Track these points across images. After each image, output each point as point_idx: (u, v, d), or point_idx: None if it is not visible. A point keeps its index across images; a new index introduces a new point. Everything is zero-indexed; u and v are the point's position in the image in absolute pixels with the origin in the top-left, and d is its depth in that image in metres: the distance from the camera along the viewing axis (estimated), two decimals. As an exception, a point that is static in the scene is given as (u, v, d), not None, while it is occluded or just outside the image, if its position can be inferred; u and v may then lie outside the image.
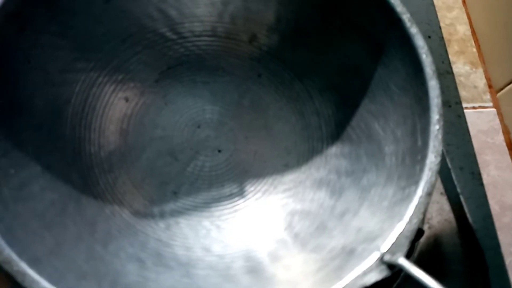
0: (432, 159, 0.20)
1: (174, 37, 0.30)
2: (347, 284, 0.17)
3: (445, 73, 0.37)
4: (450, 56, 0.39)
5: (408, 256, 0.30)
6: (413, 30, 0.23)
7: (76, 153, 0.26)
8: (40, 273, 0.17)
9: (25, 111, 0.23)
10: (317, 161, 0.29)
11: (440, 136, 0.21)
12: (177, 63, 0.30)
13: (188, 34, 0.30)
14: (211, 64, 0.31)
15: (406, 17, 0.23)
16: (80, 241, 0.22)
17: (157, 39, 0.29)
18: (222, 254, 0.26)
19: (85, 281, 0.19)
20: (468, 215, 0.31)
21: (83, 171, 0.26)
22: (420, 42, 0.23)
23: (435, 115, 0.21)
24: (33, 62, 0.23)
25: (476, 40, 0.40)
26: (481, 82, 0.39)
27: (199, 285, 0.22)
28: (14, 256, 0.17)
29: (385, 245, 0.19)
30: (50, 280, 0.17)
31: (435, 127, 0.21)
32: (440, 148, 0.21)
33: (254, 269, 0.24)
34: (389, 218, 0.20)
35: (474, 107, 0.38)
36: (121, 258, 0.23)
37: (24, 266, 0.17)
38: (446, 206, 0.31)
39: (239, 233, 0.27)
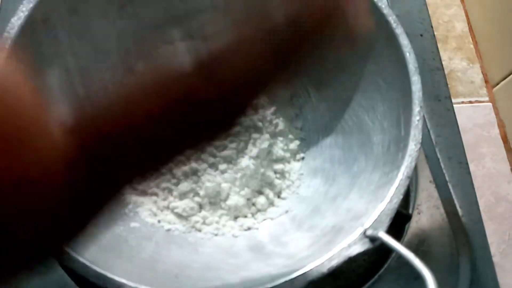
0: (412, 147, 0.23)
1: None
2: (334, 254, 0.20)
3: (436, 69, 0.38)
4: (447, 52, 0.40)
5: (398, 239, 0.32)
6: (399, 30, 0.25)
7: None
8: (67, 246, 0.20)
9: (51, 107, 0.26)
10: (313, 151, 0.31)
11: (420, 126, 0.23)
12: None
13: (195, 34, 0.32)
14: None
15: (392, 18, 0.26)
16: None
17: (166, 38, 0.32)
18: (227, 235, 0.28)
19: (106, 254, 0.22)
20: (455, 202, 0.33)
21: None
22: (404, 41, 0.25)
23: (416, 107, 0.24)
24: (56, 63, 0.26)
25: (473, 37, 0.41)
26: (478, 77, 0.39)
27: (206, 260, 0.25)
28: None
29: (368, 222, 0.21)
30: (76, 251, 0.20)
31: (416, 117, 0.23)
32: (419, 137, 0.23)
33: (256, 247, 0.26)
34: (374, 199, 0.23)
35: (470, 102, 0.39)
36: (137, 236, 0.26)
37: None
38: (435, 193, 0.33)
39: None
